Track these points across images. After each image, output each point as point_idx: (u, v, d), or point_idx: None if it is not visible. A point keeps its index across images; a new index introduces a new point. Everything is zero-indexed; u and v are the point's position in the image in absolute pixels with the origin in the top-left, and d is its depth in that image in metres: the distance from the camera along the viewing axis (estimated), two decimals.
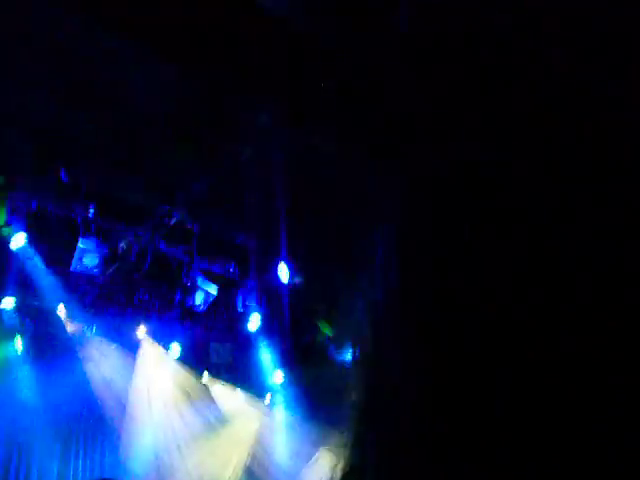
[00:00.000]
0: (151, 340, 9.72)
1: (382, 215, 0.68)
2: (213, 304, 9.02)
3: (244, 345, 10.01)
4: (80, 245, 7.70)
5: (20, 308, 8.71)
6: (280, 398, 10.88)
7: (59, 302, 8.74)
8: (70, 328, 9.25)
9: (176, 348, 9.76)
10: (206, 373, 10.53)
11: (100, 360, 9.81)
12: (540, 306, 0.54)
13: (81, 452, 10.18)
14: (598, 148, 0.56)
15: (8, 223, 7.48)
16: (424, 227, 0.62)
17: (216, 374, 10.54)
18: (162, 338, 9.72)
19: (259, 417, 11.29)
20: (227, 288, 9.20)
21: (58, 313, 8.90)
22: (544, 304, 0.53)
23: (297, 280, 9.05)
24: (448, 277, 0.58)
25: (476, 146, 0.62)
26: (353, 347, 0.69)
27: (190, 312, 9.17)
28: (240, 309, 9.35)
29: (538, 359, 0.52)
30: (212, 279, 8.87)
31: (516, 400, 0.53)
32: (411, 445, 0.57)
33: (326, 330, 9.47)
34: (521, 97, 0.60)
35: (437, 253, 0.60)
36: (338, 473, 0.65)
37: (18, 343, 8.96)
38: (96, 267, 7.93)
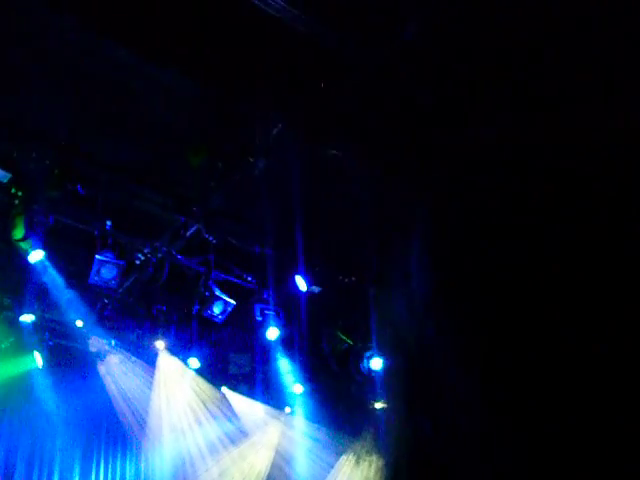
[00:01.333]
0: (170, 352, 9.73)
1: (410, 220, 0.69)
2: (231, 315, 9.01)
3: (263, 355, 10.00)
4: (98, 257, 7.72)
5: (39, 322, 8.76)
6: (300, 407, 10.86)
7: (78, 315, 8.77)
8: (89, 341, 9.30)
9: (195, 359, 9.76)
10: (225, 384, 10.54)
11: (119, 372, 9.85)
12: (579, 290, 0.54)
13: (102, 462, 10.21)
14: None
15: (26, 237, 7.50)
16: (456, 229, 0.63)
17: (235, 384, 10.55)
18: (181, 349, 9.74)
19: (279, 427, 11.29)
20: (245, 298, 9.20)
21: (77, 326, 8.94)
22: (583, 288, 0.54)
23: (315, 289, 9.03)
24: (483, 269, 0.59)
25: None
26: (390, 344, 0.70)
27: (208, 323, 9.16)
28: (259, 318, 9.33)
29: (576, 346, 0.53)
30: (230, 289, 8.87)
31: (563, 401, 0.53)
32: (466, 428, 0.58)
33: (345, 339, 9.44)
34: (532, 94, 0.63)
35: (469, 251, 0.61)
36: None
37: (38, 357, 9.01)
38: (114, 279, 7.94)
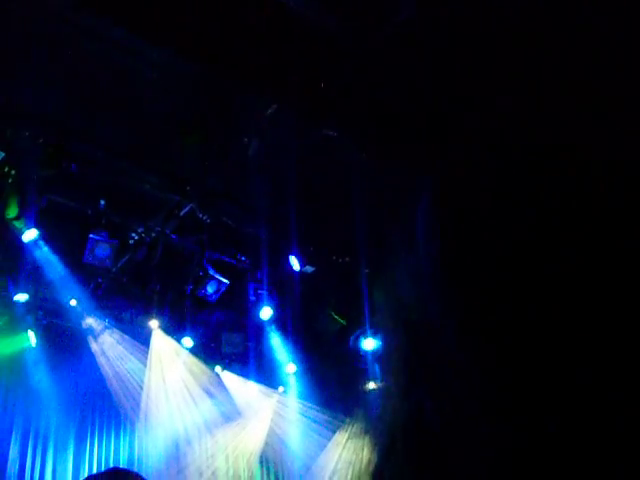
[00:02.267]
0: (164, 331, 9.74)
1: (413, 196, 0.68)
2: (225, 294, 9.02)
3: (256, 334, 10.02)
4: (92, 236, 7.72)
5: (33, 301, 8.75)
6: (293, 387, 10.89)
7: (72, 294, 8.76)
8: (83, 320, 9.29)
9: (188, 338, 9.76)
10: (219, 363, 10.56)
11: (113, 351, 9.85)
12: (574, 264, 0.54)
13: (96, 441, 10.23)
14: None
15: (19, 216, 7.49)
16: (462, 202, 0.63)
17: (229, 364, 10.56)
18: (175, 329, 9.74)
19: (273, 406, 11.32)
20: (239, 278, 9.20)
21: (71, 305, 8.93)
22: (578, 263, 0.54)
23: (308, 269, 9.04)
24: (489, 244, 0.59)
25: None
26: (391, 320, 0.69)
27: (202, 302, 9.16)
28: (252, 297, 9.34)
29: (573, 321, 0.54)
30: (223, 269, 8.87)
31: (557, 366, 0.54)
32: (467, 408, 0.58)
33: (339, 319, 9.46)
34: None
35: (478, 225, 0.61)
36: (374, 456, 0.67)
37: (31, 336, 9.00)
38: (108, 258, 7.94)
